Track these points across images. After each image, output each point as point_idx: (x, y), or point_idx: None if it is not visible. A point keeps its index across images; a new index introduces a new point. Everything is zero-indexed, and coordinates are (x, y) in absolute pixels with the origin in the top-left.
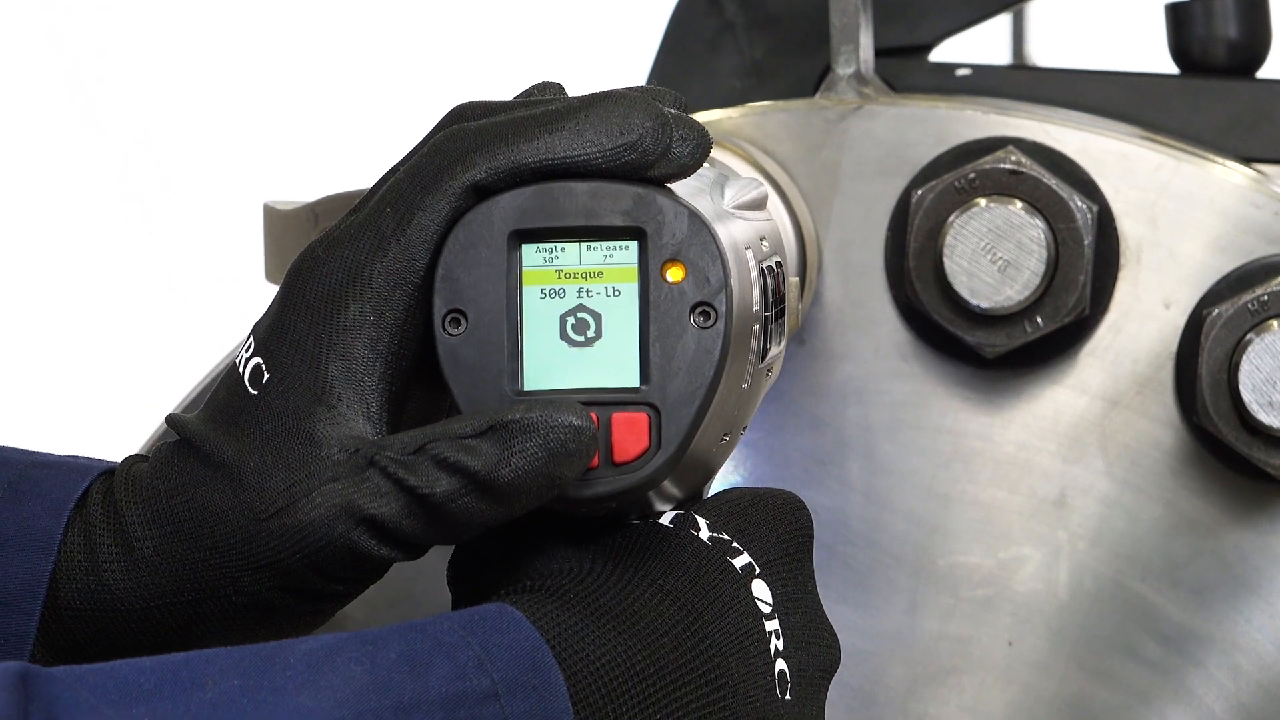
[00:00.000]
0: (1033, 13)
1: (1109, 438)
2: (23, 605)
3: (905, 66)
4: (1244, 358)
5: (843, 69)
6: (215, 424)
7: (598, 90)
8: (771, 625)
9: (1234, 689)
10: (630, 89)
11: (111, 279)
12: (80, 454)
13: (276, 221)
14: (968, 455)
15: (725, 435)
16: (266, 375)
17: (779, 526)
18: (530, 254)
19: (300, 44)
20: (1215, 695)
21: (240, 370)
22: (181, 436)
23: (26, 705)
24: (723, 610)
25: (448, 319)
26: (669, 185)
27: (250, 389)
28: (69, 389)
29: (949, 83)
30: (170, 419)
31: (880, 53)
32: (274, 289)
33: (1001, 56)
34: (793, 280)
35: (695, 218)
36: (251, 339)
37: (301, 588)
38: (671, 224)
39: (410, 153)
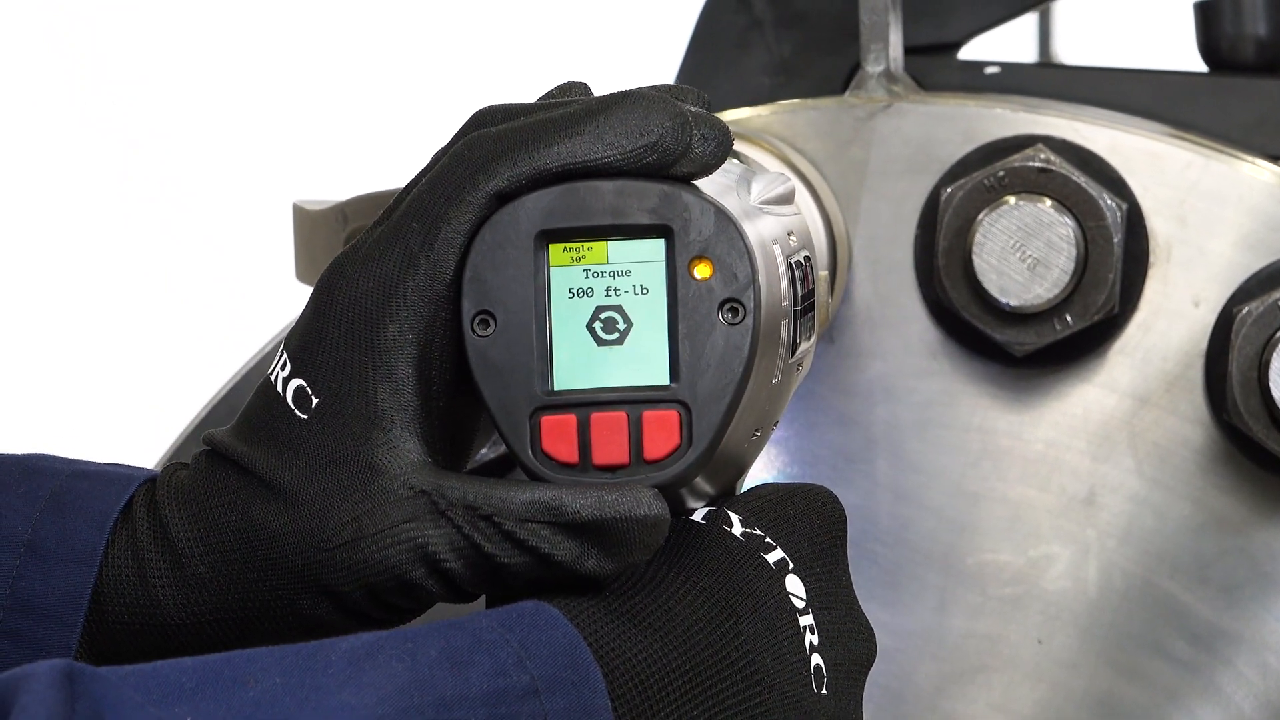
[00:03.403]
0: (1059, 11)
1: (1138, 436)
2: (64, 618)
3: (934, 64)
4: (1274, 355)
5: (872, 67)
6: (260, 446)
7: (618, 90)
8: (806, 620)
9: (1263, 687)
10: (650, 88)
11: (141, 280)
12: (119, 457)
13: (306, 221)
14: (997, 453)
15: (756, 431)
16: (315, 399)
17: (812, 521)
18: (557, 253)
19: (331, 44)
20: (1244, 693)
21: (280, 390)
22: (229, 459)
23: (73, 703)
24: (757, 606)
25: (476, 320)
26: (695, 182)
27: (297, 412)
28: (93, 391)
29: (978, 81)
30: (209, 439)
31: (909, 51)
32: (304, 289)
33: (1028, 54)
34: (822, 274)
35: (722, 214)
36: (286, 357)
37: (356, 611)
38: (698, 221)
39: (433, 161)
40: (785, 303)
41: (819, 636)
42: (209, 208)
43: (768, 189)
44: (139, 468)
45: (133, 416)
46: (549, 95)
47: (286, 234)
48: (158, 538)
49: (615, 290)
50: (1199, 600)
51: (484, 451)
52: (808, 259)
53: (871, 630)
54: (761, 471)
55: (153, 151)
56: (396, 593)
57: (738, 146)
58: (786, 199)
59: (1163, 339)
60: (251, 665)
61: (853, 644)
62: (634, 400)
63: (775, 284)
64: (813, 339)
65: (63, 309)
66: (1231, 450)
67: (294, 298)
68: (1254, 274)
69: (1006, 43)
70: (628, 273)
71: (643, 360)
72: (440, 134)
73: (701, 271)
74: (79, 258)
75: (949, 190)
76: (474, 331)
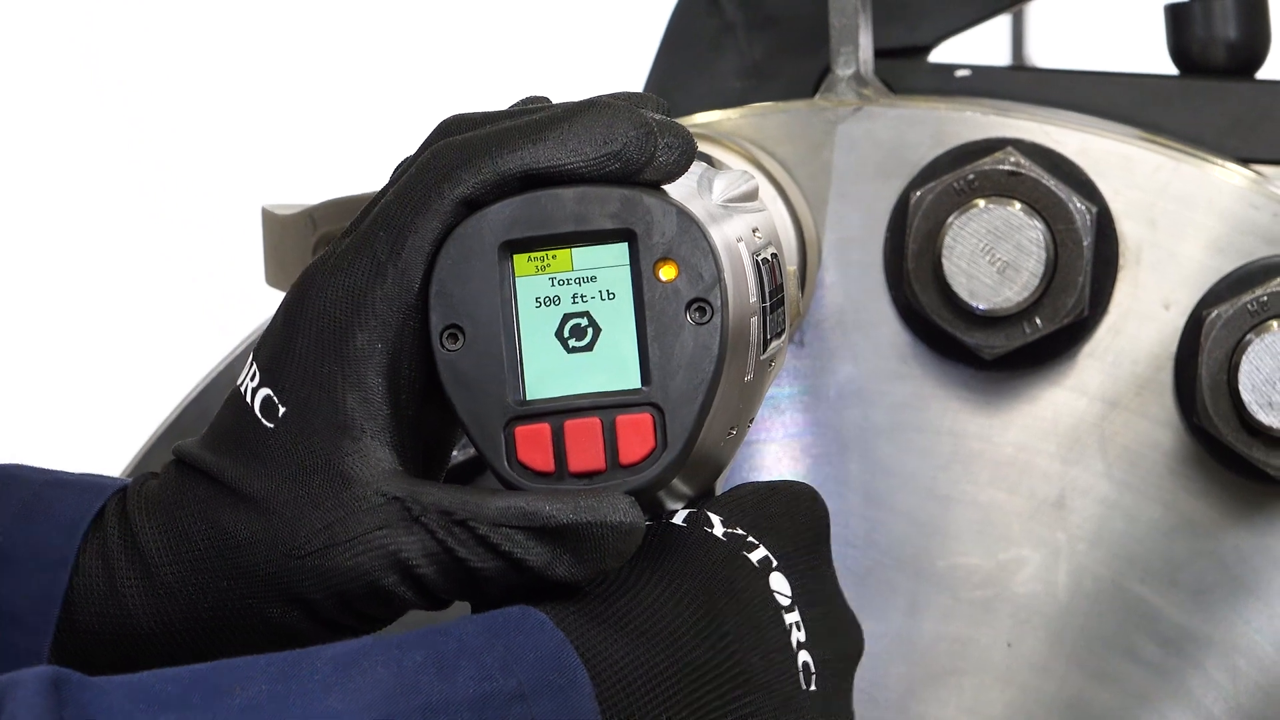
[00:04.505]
0: (1032, 14)
1: (1108, 439)
2: (34, 624)
3: (905, 68)
4: (1244, 358)
5: (842, 70)
6: (229, 455)
7: (584, 98)
8: (792, 618)
9: (1233, 690)
10: (614, 96)
11: (108, 284)
12: (87, 463)
13: (275, 226)
14: (967, 457)
15: (732, 429)
16: (282, 408)
17: (794, 518)
18: (522, 263)
19: (297, 48)
20: (1214, 697)
21: (248, 399)
22: (198, 469)
23: (60, 710)
24: (742, 605)
25: (445, 334)
26: None
27: (264, 421)
28: (62, 395)
29: (948, 84)
30: (178, 451)
31: (880, 54)
32: (273, 293)
33: (1001, 58)
34: (790, 269)
35: (684, 215)
36: (255, 367)
37: (327, 619)
38: (660, 223)
39: (399, 171)
40: (753, 299)
41: (806, 633)
42: (178, 213)
43: (730, 187)
44: (111, 477)
45: (100, 421)
46: (513, 107)
47: (256, 239)
48: (128, 546)
49: (582, 297)
50: (1169, 603)
51: (455, 454)
52: (774, 255)
53: (858, 625)
54: (733, 477)
55: (119, 157)
56: (368, 600)
57: (707, 149)
58: (750, 196)
59: (1133, 342)
60: (237, 673)
61: (840, 639)
62: (607, 405)
63: (742, 281)
64: (784, 335)
65: (29, 315)
66: (1201, 453)
67: (263, 302)
68: (1224, 277)
69: (980, 46)
70: (593, 279)
71: (613, 365)
72: (410, 137)
73: (667, 273)
74: (45, 263)
75: (919, 193)
76: (443, 345)
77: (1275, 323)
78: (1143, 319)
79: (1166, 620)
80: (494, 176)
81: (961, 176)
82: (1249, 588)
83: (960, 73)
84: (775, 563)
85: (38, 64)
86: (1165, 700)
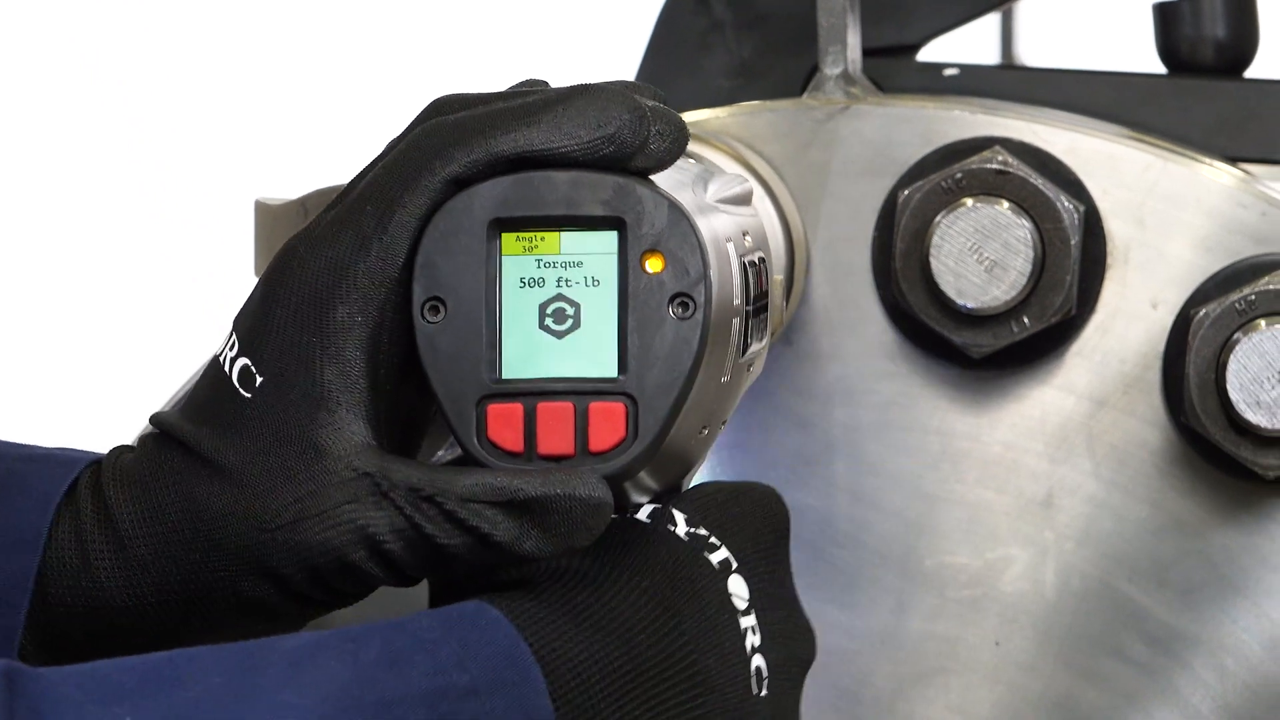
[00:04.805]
0: (1021, 12)
1: (1096, 438)
2: (9, 600)
3: (893, 66)
4: (1231, 357)
5: (830, 69)
6: (206, 425)
7: (577, 84)
8: (748, 621)
9: (1220, 690)
10: (608, 82)
11: (99, 275)
12: (68, 446)
13: (268, 217)
14: (955, 455)
15: (704, 428)
16: (259, 379)
17: (756, 521)
18: (510, 242)
19: (288, 38)
20: (1202, 696)
21: (227, 370)
22: (173, 438)
23: (11, 703)
24: (700, 606)
25: (427, 307)
26: (651, 177)
27: (242, 391)
28: (53, 385)
29: (937, 83)
30: (155, 419)
31: (868, 52)
32: None
33: (991, 56)
34: (777, 278)
35: (675, 208)
36: (235, 337)
37: (299, 594)
38: (651, 214)
39: (389, 147)
40: (737, 301)
41: (760, 638)
42: (178, 212)
43: (724, 188)
44: (85, 451)
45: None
46: (510, 89)
47: (249, 231)
48: (101, 520)
49: (566, 281)
50: (1157, 603)
51: (441, 453)
52: (762, 260)
53: (812, 631)
54: (717, 474)
55: (110, 149)
56: (338, 575)
57: (696, 149)
58: (743, 199)
59: (1120, 341)
60: (191, 665)
61: (793, 645)
62: (581, 391)
63: (727, 281)
64: (765, 341)
65: (17, 306)
66: (1189, 452)
67: None
68: (1211, 276)
69: (970, 44)
70: (579, 264)
71: (591, 352)
72: (400, 128)
73: (653, 265)
74: (65, 254)
75: (906, 192)
76: (424, 318)
77: (1263, 321)
78: (1130, 318)
79: (1154, 619)
80: (486, 156)
81: (949, 175)
82: (1237, 587)
83: (948, 72)
84: (735, 565)
85: (37, 65)
86: (1153, 699)
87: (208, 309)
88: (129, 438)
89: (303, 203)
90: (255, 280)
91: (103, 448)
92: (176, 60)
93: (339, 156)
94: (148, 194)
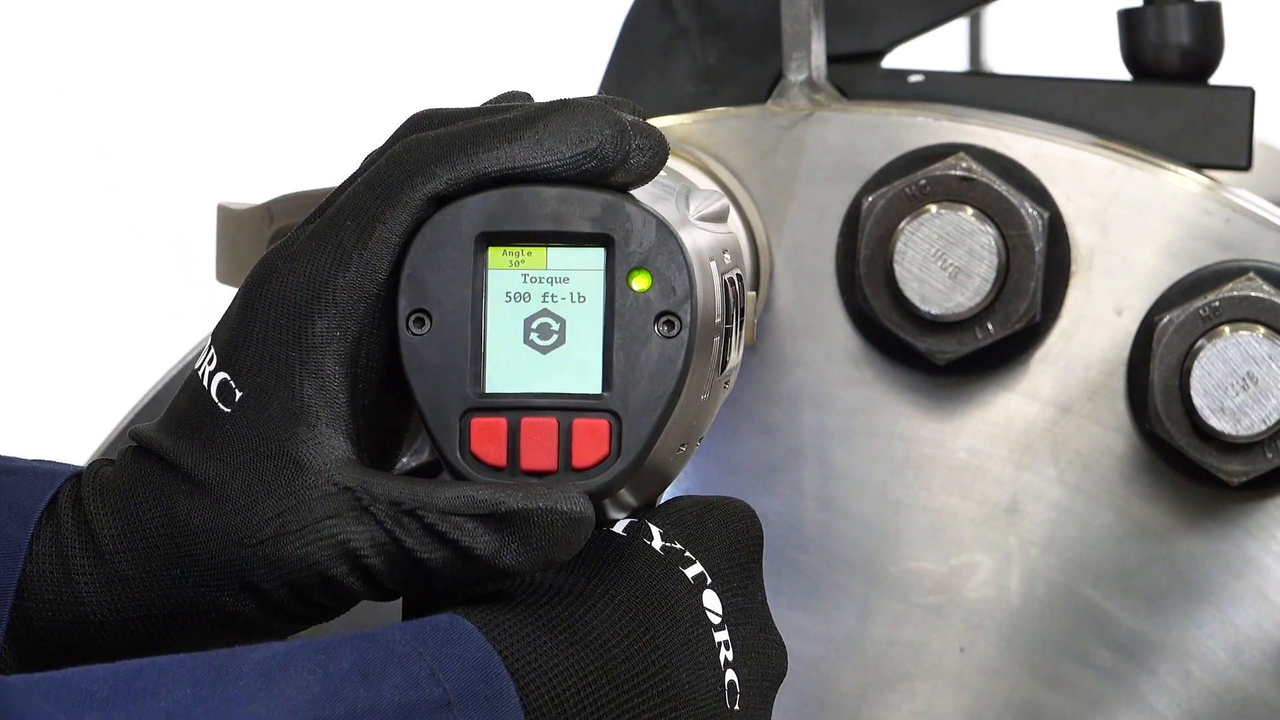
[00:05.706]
0: (989, 19)
1: (1060, 444)
2: None
3: (858, 73)
4: (1195, 363)
5: (795, 75)
6: (185, 440)
7: (555, 98)
8: (721, 636)
9: (1185, 695)
10: (587, 97)
11: (64, 280)
12: (44, 457)
13: (231, 221)
14: (919, 461)
15: (683, 445)
16: (239, 393)
17: (730, 536)
18: (497, 256)
19: (255, 43)
20: (1167, 702)
21: (205, 384)
22: (152, 452)
23: None
24: (674, 621)
25: (412, 319)
26: (634, 194)
27: (221, 405)
28: (17, 391)
29: (901, 89)
30: (135, 433)
31: (833, 59)
32: (226, 290)
33: (958, 63)
34: (750, 294)
35: (663, 227)
36: (213, 351)
37: (279, 609)
38: (639, 232)
39: (367, 162)
40: (719, 319)
41: (733, 652)
42: (164, 209)
43: (704, 205)
44: (65, 464)
45: (81, 417)
46: (490, 102)
47: (212, 235)
48: (82, 534)
49: (553, 296)
50: (1122, 609)
51: (405, 460)
52: (739, 277)
53: (784, 646)
54: (683, 480)
55: (77, 152)
56: (319, 590)
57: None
58: (721, 216)
59: (1085, 347)
60: (163, 676)
61: (766, 660)
62: (565, 407)
63: (711, 300)
64: (739, 356)
65: (12, 309)
66: (1154, 458)
67: (221, 298)
68: (1176, 282)
69: (936, 51)
70: (566, 280)
71: (576, 368)
72: (367, 134)
73: (640, 283)
74: (31, 258)
75: (870, 199)
76: (409, 330)
77: (1227, 328)
78: (1095, 324)
79: (1119, 625)
80: (469, 174)
81: (913, 182)
82: (1201, 593)
83: (913, 78)
84: (709, 580)
85: (36, 65)
86: (1118, 705)
87: (177, 313)
88: (87, 443)
89: (268, 208)
90: (217, 284)
91: (61, 454)
92: (176, 61)
93: (306, 161)
94: (114, 199)
